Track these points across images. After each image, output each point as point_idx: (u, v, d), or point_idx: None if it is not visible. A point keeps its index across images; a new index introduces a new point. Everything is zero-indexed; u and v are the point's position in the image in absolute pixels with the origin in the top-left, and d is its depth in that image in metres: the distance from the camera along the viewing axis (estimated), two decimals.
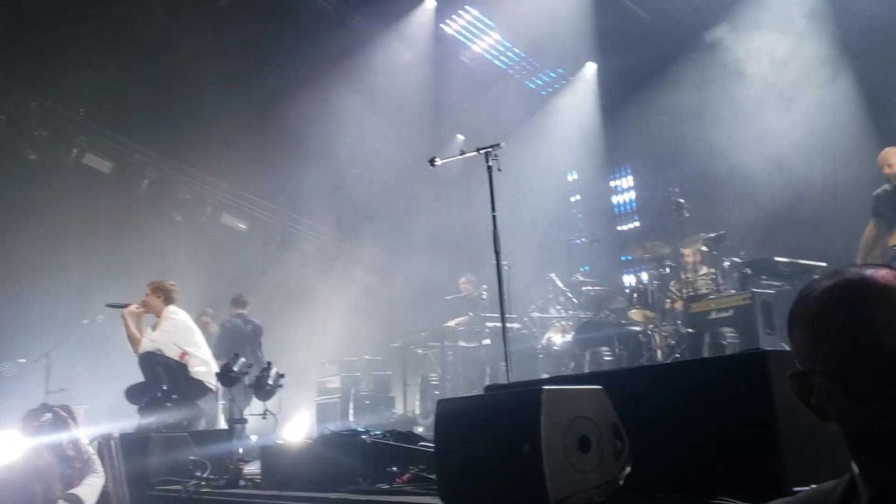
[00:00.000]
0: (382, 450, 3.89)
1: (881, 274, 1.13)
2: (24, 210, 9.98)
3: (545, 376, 8.24)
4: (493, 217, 4.77)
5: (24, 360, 9.52)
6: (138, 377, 6.82)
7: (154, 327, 7.00)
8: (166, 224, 11.40)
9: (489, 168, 4.88)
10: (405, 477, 3.74)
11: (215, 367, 6.93)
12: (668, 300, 8.39)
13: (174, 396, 6.45)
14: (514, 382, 4.40)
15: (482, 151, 4.93)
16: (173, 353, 6.80)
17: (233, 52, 10.90)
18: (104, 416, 8.16)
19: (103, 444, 4.55)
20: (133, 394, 6.67)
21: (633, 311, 8.50)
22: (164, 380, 6.55)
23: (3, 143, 10.26)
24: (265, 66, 11.72)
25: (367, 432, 3.99)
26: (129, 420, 6.91)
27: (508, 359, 4.52)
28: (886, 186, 6.89)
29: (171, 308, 7.02)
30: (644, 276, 9.17)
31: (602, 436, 2.76)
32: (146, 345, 6.74)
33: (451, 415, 3.01)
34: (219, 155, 11.46)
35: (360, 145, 12.07)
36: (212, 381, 6.79)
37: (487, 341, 9.42)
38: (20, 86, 10.36)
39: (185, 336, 6.94)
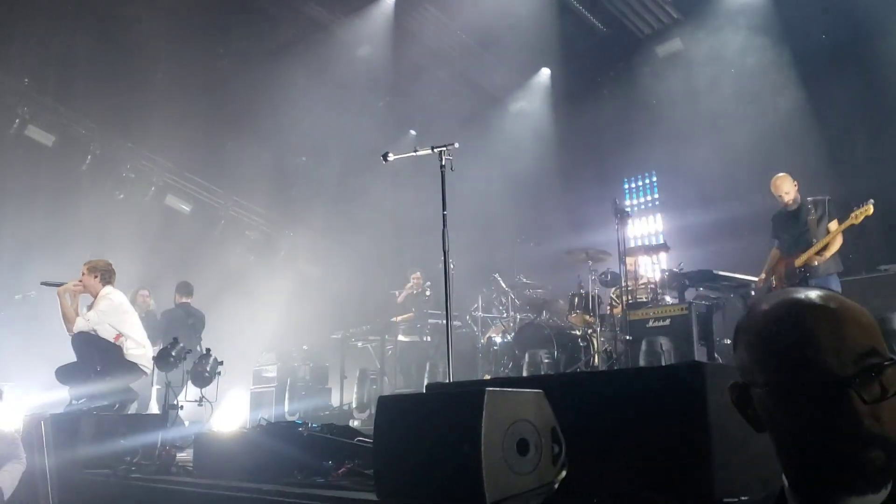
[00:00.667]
0: (319, 443, 3.89)
1: (824, 296, 1.19)
2: None
3: (486, 377, 8.33)
4: (444, 216, 4.80)
5: None
6: (71, 356, 6.65)
7: (90, 307, 6.84)
8: (108, 202, 11.14)
9: (442, 167, 4.91)
10: (341, 471, 3.74)
11: (150, 351, 6.82)
12: (608, 306, 8.55)
13: (107, 378, 6.31)
14: (456, 382, 4.43)
15: (436, 150, 4.95)
16: (108, 335, 6.66)
17: (186, 31, 10.66)
18: (34, 395, 7.94)
19: (32, 424, 4.43)
20: (64, 374, 6.51)
21: (574, 315, 8.62)
22: (97, 361, 6.41)
23: None
24: (218, 49, 11.53)
25: (304, 424, 3.97)
26: (59, 400, 6.77)
27: (450, 358, 4.54)
28: (781, 209, 7.21)
29: (108, 288, 6.87)
30: (586, 282, 9.32)
31: (541, 439, 2.81)
32: (80, 324, 6.58)
33: (392, 411, 3.03)
34: (166, 135, 11.19)
35: (311, 134, 11.95)
36: (146, 365, 6.67)
37: (428, 338, 9.46)
38: None
39: (121, 317, 6.80)
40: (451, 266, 8.67)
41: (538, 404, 2.84)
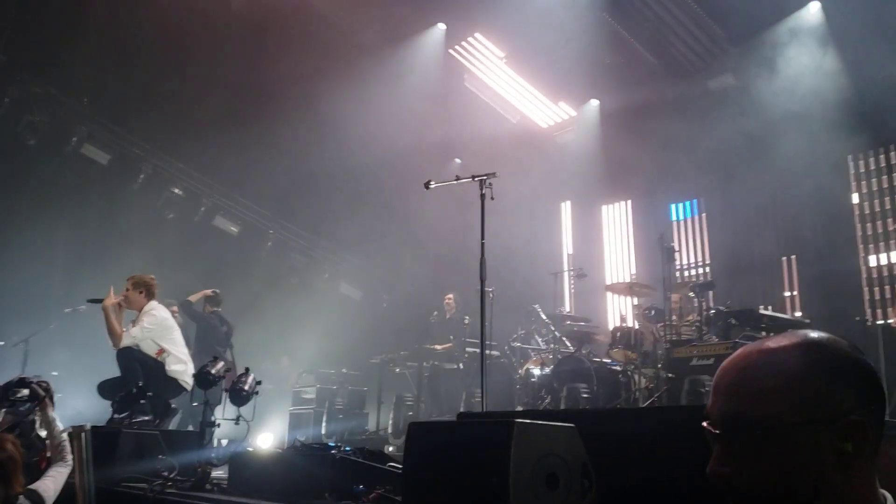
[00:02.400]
0: (351, 466, 3.89)
1: (749, 346, 1.26)
2: (17, 194, 9.96)
3: (520, 408, 8.26)
4: (482, 244, 4.81)
5: (2, 343, 9.42)
6: (115, 371, 6.78)
7: (134, 322, 6.96)
8: (158, 220, 11.39)
9: (482, 196, 4.93)
10: (371, 496, 3.74)
11: (191, 367, 6.91)
12: (651, 343, 8.43)
13: (149, 394, 6.40)
14: (488, 412, 4.40)
15: (477, 179, 4.97)
16: (151, 350, 6.78)
17: (239, 54, 10.97)
18: (77, 406, 8.11)
19: (74, 435, 4.50)
20: (106, 388, 6.63)
21: (615, 350, 8.52)
22: (139, 376, 6.51)
23: (3, 126, 10.23)
24: (270, 73, 11.74)
25: (337, 447, 3.98)
26: (101, 413, 6.89)
27: (485, 387, 4.52)
28: None
29: (152, 304, 6.98)
30: (629, 317, 9.22)
31: (571, 474, 2.77)
32: (126, 340, 6.70)
33: (423, 439, 3.01)
34: (218, 157, 11.46)
35: (360, 160, 12.09)
36: (187, 381, 6.76)
37: (464, 366, 9.44)
38: (25, 70, 10.35)
39: (164, 333, 6.91)
40: (491, 294, 8.73)
41: (570, 439, 2.80)
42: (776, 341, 1.24)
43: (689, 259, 11.37)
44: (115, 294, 6.90)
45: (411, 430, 3.09)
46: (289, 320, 11.56)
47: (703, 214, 11.45)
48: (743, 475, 1.22)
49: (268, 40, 11.31)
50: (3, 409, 4.27)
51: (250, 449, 4.77)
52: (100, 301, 6.92)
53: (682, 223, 11.65)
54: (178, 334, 7.10)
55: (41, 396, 4.26)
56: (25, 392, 4.27)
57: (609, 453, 2.91)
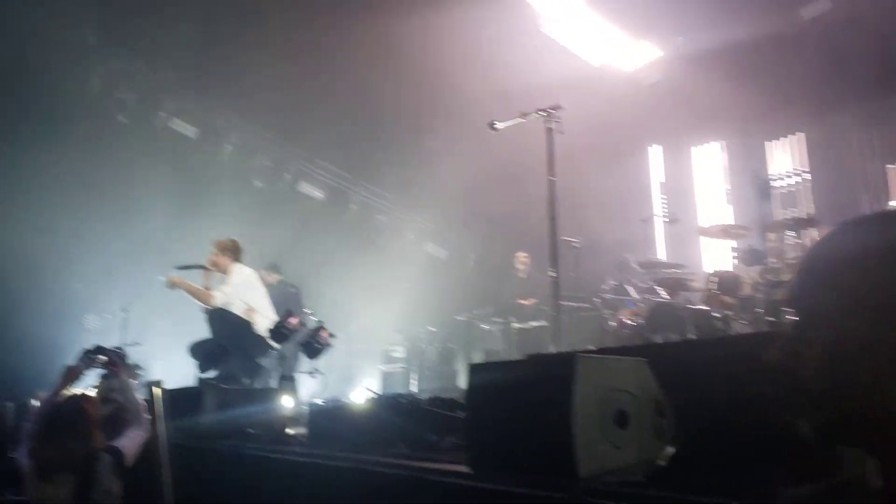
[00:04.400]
0: (422, 415, 3.79)
1: None
2: (112, 170, 10.25)
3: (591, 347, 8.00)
4: (550, 182, 4.57)
5: (109, 316, 9.81)
6: (205, 334, 6.91)
7: (222, 284, 7.05)
8: (245, 190, 11.58)
9: (549, 130, 4.67)
10: (442, 444, 3.63)
11: (270, 322, 6.95)
12: (750, 287, 7.98)
13: (238, 353, 6.50)
14: (559, 353, 4.21)
15: (541, 113, 4.71)
16: (239, 310, 6.85)
17: (319, 21, 10.93)
18: (174, 371, 8.36)
19: (154, 393, 4.58)
20: (197, 349, 6.77)
21: (711, 297, 8.12)
22: (228, 336, 6.61)
23: (95, 105, 10.56)
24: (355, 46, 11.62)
25: (407, 396, 3.89)
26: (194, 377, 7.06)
27: (559, 330, 4.32)
28: None
29: (238, 265, 7.06)
30: (725, 261, 8.78)
31: (642, 411, 2.57)
32: (218, 298, 6.78)
33: (484, 380, 2.86)
34: (299, 123, 11.55)
35: (443, 118, 11.90)
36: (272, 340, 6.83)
37: (552, 321, 9.21)
38: (112, 48, 10.62)
39: (251, 293, 6.97)
40: (576, 244, 8.46)
41: (639, 374, 2.59)
42: None
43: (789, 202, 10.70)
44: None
45: (472, 371, 2.94)
46: (378, 281, 11.60)
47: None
48: None
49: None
50: (82, 374, 4.39)
51: (327, 403, 4.73)
52: (188, 267, 7.05)
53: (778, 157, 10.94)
54: (264, 294, 7.16)
55: (116, 363, 4.36)
56: (102, 358, 4.38)
57: (688, 390, 2.68)
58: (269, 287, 9.60)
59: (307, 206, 12.24)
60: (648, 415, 2.58)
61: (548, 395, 2.49)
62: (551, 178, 4.54)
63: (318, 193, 12.44)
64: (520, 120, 4.93)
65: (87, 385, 4.70)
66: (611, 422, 2.48)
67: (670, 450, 2.60)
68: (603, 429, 2.47)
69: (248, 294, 6.98)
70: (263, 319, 6.93)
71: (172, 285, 6.94)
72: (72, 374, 4.39)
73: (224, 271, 7.08)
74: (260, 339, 6.86)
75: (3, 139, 9.36)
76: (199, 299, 6.93)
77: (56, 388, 4.26)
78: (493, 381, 2.83)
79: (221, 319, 6.82)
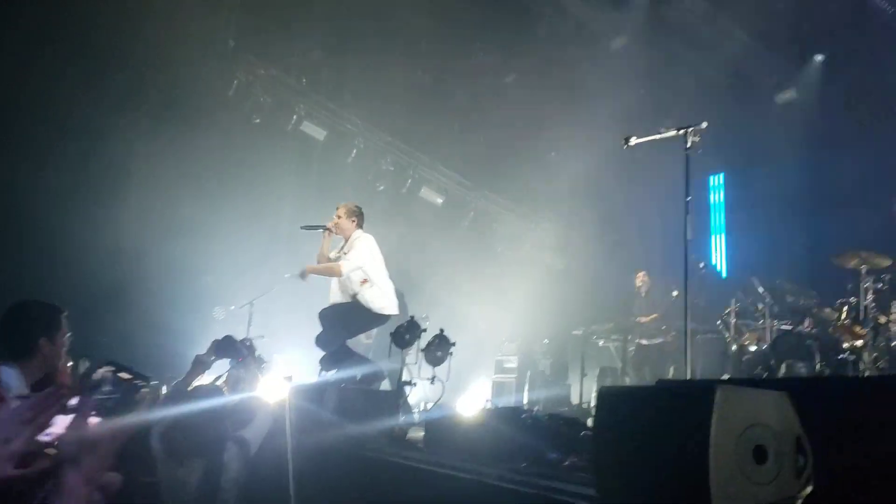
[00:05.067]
0: (543, 431, 3.77)
1: None
2: (244, 169, 10.73)
3: (726, 377, 7.74)
4: (687, 203, 4.46)
5: (232, 307, 10.22)
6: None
7: (345, 250, 7.04)
8: (369, 192, 11.87)
9: (687, 150, 4.57)
10: (565, 464, 3.61)
11: (395, 298, 6.99)
12: (883, 317, 7.54)
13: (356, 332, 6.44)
14: (689, 381, 4.10)
15: (681, 131, 4.61)
16: (356, 279, 6.82)
17: (447, 30, 11.11)
18: (297, 366, 8.63)
19: (278, 388, 4.75)
20: (320, 340, 6.82)
21: (841, 325, 7.72)
22: (341, 333, 6.66)
23: (232, 107, 11.09)
24: (476, 45, 11.75)
25: (527, 411, 3.89)
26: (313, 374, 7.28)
27: (688, 358, 4.21)
28: None
29: (360, 231, 7.06)
30: (858, 290, 8.30)
31: (782, 447, 2.47)
32: (346, 266, 6.73)
33: (615, 403, 2.82)
34: (423, 130, 11.78)
35: (560, 130, 11.85)
36: (392, 311, 6.86)
37: (671, 340, 8.99)
38: (251, 54, 11.12)
39: (373, 262, 6.89)
40: (701, 264, 8.22)
41: (781, 408, 2.50)
42: None
43: None
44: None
45: (603, 394, 2.91)
46: (493, 289, 11.63)
47: None
48: None
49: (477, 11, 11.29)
50: (212, 362, 4.58)
51: (445, 412, 4.78)
52: (314, 227, 7.13)
53: None
54: (383, 264, 7.06)
55: (245, 356, 4.53)
56: (233, 349, 4.56)
57: (831, 429, 2.57)
58: None
59: (428, 211, 12.41)
60: (788, 452, 2.48)
61: (684, 425, 2.43)
62: (688, 198, 4.43)
63: (438, 199, 12.59)
64: (657, 137, 4.84)
65: (217, 375, 4.93)
66: (749, 457, 2.40)
67: (809, 489, 2.50)
68: (740, 464, 2.39)
69: (369, 262, 6.90)
70: (380, 292, 6.88)
71: (305, 275, 7.07)
72: (201, 364, 4.59)
73: (346, 235, 7.10)
74: (376, 316, 6.86)
75: (146, 137, 9.93)
76: (329, 274, 6.98)
77: (187, 377, 4.46)
78: (624, 406, 2.79)
79: (331, 317, 6.84)
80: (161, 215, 9.99)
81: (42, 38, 9.06)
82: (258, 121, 11.28)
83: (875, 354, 7.22)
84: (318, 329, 7.46)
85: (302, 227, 7.31)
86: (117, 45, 9.67)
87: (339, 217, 7.10)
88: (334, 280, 7.05)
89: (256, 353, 5.01)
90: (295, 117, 11.60)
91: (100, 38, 9.49)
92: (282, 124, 11.51)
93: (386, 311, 6.90)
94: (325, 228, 7.08)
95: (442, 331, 6.05)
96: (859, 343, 7.39)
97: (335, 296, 7.02)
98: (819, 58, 11.36)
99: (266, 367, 6.98)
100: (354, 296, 6.90)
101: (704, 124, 4.60)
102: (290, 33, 11.04)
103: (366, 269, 6.86)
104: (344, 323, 6.75)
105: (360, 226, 7.13)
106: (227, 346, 4.65)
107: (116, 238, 9.60)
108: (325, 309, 6.88)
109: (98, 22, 9.41)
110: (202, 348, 4.99)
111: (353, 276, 6.84)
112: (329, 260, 7.04)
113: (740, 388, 2.46)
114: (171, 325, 9.64)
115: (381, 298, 6.90)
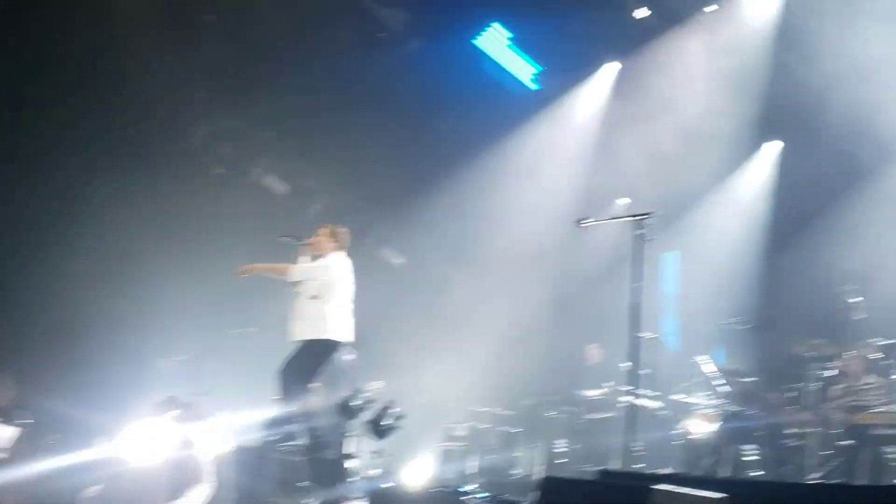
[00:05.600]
0: None
1: None
2: (203, 219, 10.62)
3: (671, 469, 7.75)
4: (636, 288, 4.54)
5: (180, 359, 9.98)
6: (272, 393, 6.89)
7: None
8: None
9: (638, 236, 4.66)
10: None
11: (342, 322, 6.81)
12: (830, 406, 7.68)
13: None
14: (632, 473, 4.10)
15: (634, 217, 4.71)
16: (307, 292, 6.70)
17: (414, 96, 11.30)
18: (240, 425, 8.43)
19: (221, 453, 4.64)
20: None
21: (789, 411, 7.85)
22: (296, 395, 6.48)
23: (194, 157, 11.02)
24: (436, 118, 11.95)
25: (471, 493, 3.84)
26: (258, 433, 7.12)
27: (634, 444, 4.21)
28: None
29: (339, 254, 6.95)
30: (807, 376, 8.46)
31: None
32: (296, 271, 6.71)
33: (557, 495, 2.81)
34: (386, 190, 11.84)
35: (524, 198, 12.05)
36: (342, 337, 6.73)
37: (620, 416, 9.03)
38: (217, 104, 11.12)
39: (334, 282, 6.77)
40: (654, 338, 8.30)
41: None
42: None
43: None
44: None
45: (546, 485, 2.90)
46: (445, 355, 11.56)
47: None
48: None
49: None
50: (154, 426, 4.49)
51: (388, 485, 4.70)
52: (290, 237, 7.00)
53: None
54: (348, 292, 6.94)
55: (189, 418, 4.45)
56: (176, 412, 4.48)
57: None
58: None
59: (387, 272, 12.38)
60: None
61: None
62: (635, 284, 4.50)
63: (397, 261, 12.58)
64: (608, 220, 4.94)
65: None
66: None
67: None
68: None
69: (328, 281, 6.78)
70: (327, 313, 6.71)
71: (244, 273, 6.89)
72: (143, 424, 4.48)
73: (323, 254, 6.97)
74: (321, 347, 6.67)
75: (100, 179, 9.77)
76: (275, 274, 6.84)
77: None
78: (565, 498, 2.77)
79: (288, 375, 6.68)
80: (111, 260, 9.83)
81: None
82: (219, 172, 11.21)
83: (820, 442, 7.33)
84: (266, 387, 7.33)
85: (280, 236, 7.22)
86: (80, 78, 9.59)
87: (320, 234, 7.06)
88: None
89: (202, 411, 4.90)
90: (257, 170, 11.56)
91: (63, 70, 9.40)
92: (243, 177, 11.46)
93: (328, 336, 6.71)
94: (303, 243, 6.98)
95: (391, 402, 5.98)
96: (805, 430, 7.50)
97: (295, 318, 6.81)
98: (771, 145, 11.80)
99: (208, 424, 6.82)
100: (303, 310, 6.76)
101: (656, 213, 4.71)
102: (259, 86, 11.08)
103: (323, 285, 6.72)
104: (296, 372, 6.58)
105: (340, 248, 6.98)
106: (168, 405, 4.55)
107: (61, 281, 9.41)
108: (286, 369, 6.71)
109: (63, 55, 9.36)
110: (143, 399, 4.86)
111: (308, 287, 6.73)
112: None
113: (678, 491, 2.46)
114: (113, 375, 9.41)
115: (326, 321, 6.72)
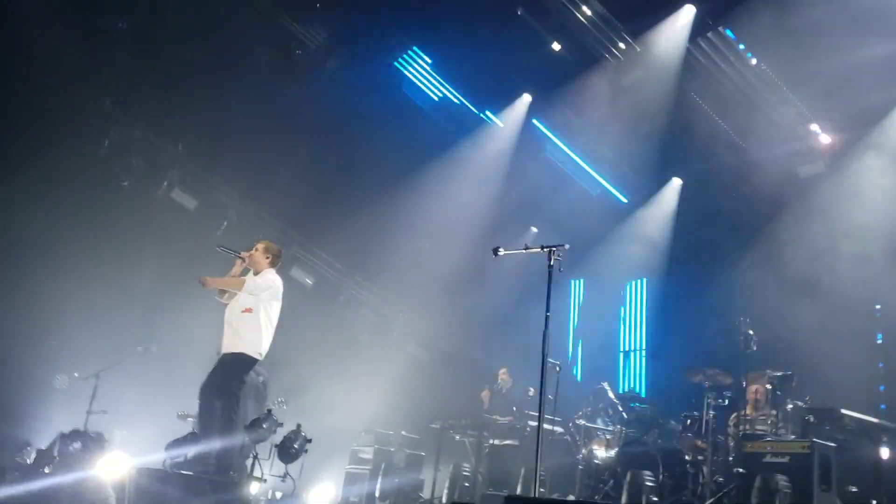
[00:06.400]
0: None
1: None
2: (107, 231, 10.28)
3: (572, 497, 7.93)
4: (546, 317, 4.68)
5: (77, 375, 9.62)
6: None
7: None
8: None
9: (550, 267, 4.83)
10: None
11: (266, 341, 6.82)
12: (723, 434, 8.03)
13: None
14: (537, 499, 4.20)
15: (545, 249, 4.89)
16: (241, 304, 6.76)
17: (329, 115, 11.31)
18: (139, 445, 8.17)
19: (124, 477, 4.53)
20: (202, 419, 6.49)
21: (685, 437, 8.15)
22: (211, 419, 6.37)
23: (101, 167, 10.67)
24: (358, 133, 11.97)
25: None
26: (159, 454, 6.92)
27: (538, 470, 4.32)
28: None
29: (272, 271, 7.03)
30: (701, 404, 8.82)
31: None
32: (251, 283, 6.74)
33: None
34: (300, 209, 11.75)
35: (436, 220, 12.18)
36: (258, 349, 6.74)
37: (524, 441, 9.19)
38: (127, 114, 10.83)
39: (269, 298, 6.85)
40: (557, 369, 8.52)
41: None
42: None
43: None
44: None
45: None
46: (356, 376, 11.53)
47: None
48: None
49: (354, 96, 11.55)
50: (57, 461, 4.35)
51: None
52: (229, 250, 6.99)
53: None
54: (277, 310, 6.99)
55: (92, 451, 4.33)
56: (78, 445, 4.36)
57: None
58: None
59: (296, 292, 12.25)
60: None
61: None
62: (547, 313, 4.64)
63: (308, 280, 12.48)
64: (523, 252, 5.09)
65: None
66: None
67: None
68: None
69: (268, 297, 6.87)
70: (256, 325, 6.77)
71: (205, 284, 6.88)
72: (44, 459, 4.35)
73: (257, 269, 7.02)
74: (241, 362, 6.68)
75: (7, 179, 9.40)
76: (230, 287, 6.81)
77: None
78: None
79: (208, 398, 6.59)
80: (6, 268, 9.42)
81: None
82: (126, 183, 10.88)
83: (714, 469, 7.64)
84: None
85: (217, 247, 7.28)
86: None
87: (256, 250, 7.12)
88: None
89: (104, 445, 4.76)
90: (166, 183, 11.28)
91: None
92: (152, 189, 11.16)
93: (251, 350, 6.74)
94: (239, 256, 7.03)
95: (299, 426, 5.93)
96: (700, 457, 7.80)
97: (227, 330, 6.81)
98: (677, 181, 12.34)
99: (106, 444, 6.61)
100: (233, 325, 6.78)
101: (566, 246, 4.88)
102: (169, 97, 10.85)
103: (258, 300, 6.81)
104: (217, 386, 6.48)
105: (273, 265, 7.12)
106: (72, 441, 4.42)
107: None
108: (205, 386, 6.60)
109: None
110: (38, 419, 4.65)
111: (240, 300, 6.76)
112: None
113: None
114: (8, 391, 9.02)
115: (255, 332, 6.76)
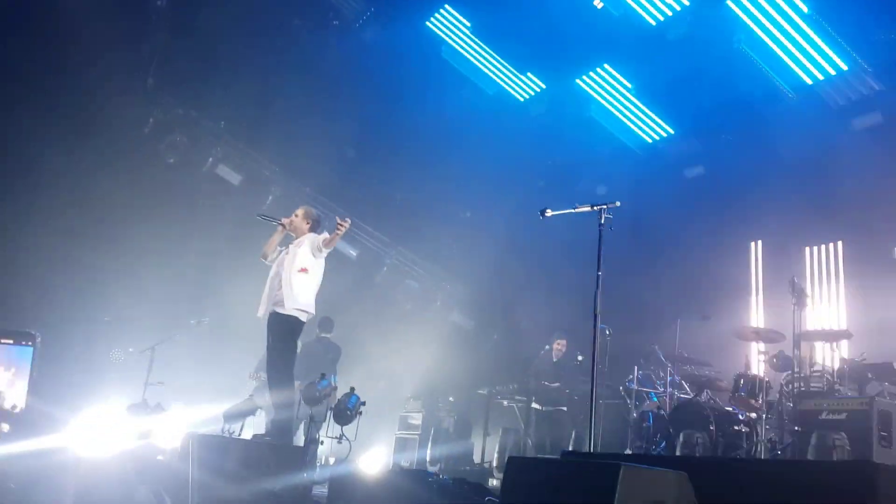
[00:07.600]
0: (448, 496, 3.78)
1: None
2: (156, 208, 10.46)
3: (629, 452, 7.89)
4: (598, 277, 4.62)
5: (132, 350, 9.86)
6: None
7: (296, 244, 7.01)
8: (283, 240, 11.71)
9: (601, 226, 4.75)
10: None
11: (314, 299, 6.88)
12: (778, 392, 7.90)
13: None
14: (594, 453, 4.19)
15: (596, 207, 4.80)
16: (298, 264, 6.77)
17: (368, 86, 11.29)
18: (197, 414, 8.37)
19: (184, 443, 4.62)
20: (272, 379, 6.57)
21: (738, 398, 8.03)
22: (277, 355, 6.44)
23: (147, 145, 10.84)
24: (396, 102, 11.93)
25: (435, 475, 3.89)
26: (216, 423, 7.10)
27: (593, 428, 4.30)
28: None
29: (314, 235, 7.03)
30: (754, 364, 8.69)
31: None
32: (324, 240, 6.75)
33: (522, 475, 2.88)
34: (341, 181, 11.80)
35: (479, 190, 12.12)
36: (310, 309, 6.77)
37: (575, 406, 9.17)
38: (171, 93, 10.96)
39: (322, 262, 6.92)
40: (608, 332, 8.45)
41: (680, 487, 2.60)
42: None
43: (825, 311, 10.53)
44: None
45: (511, 464, 2.96)
46: (401, 345, 11.62)
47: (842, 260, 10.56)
48: None
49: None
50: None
51: (351, 470, 4.72)
52: (269, 218, 7.08)
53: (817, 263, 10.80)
54: (321, 269, 7.02)
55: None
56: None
57: None
58: (312, 342, 9.57)
59: (341, 263, 12.35)
60: None
61: (588, 500, 2.49)
62: (599, 272, 4.58)
63: (351, 252, 12.55)
64: (572, 211, 5.01)
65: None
66: None
67: None
68: None
69: (321, 264, 6.92)
70: (311, 284, 6.82)
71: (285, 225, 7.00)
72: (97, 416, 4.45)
73: (298, 234, 7.07)
74: (294, 322, 6.69)
75: (51, 168, 9.61)
76: (328, 246, 6.79)
77: None
78: (531, 476, 2.84)
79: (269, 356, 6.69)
80: (62, 250, 9.65)
81: None
82: (172, 160, 11.04)
83: (769, 428, 7.53)
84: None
85: (258, 215, 7.33)
86: (31, 66, 9.40)
87: (296, 216, 7.16)
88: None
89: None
90: (211, 159, 11.43)
91: (13, 55, 9.21)
92: (197, 166, 11.31)
93: (307, 308, 6.78)
94: (280, 223, 7.08)
95: (353, 389, 5.99)
96: (753, 415, 7.69)
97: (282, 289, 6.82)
98: None
99: (164, 414, 6.77)
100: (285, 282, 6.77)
101: (618, 203, 4.80)
102: (212, 75, 10.95)
103: (315, 262, 6.86)
104: (275, 351, 6.55)
105: (313, 230, 7.13)
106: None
107: (12, 271, 9.23)
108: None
109: (12, 41, 9.15)
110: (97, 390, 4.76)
111: (296, 260, 6.78)
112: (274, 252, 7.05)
113: (641, 468, 2.55)
114: (67, 365, 9.27)
115: (308, 294, 6.79)
